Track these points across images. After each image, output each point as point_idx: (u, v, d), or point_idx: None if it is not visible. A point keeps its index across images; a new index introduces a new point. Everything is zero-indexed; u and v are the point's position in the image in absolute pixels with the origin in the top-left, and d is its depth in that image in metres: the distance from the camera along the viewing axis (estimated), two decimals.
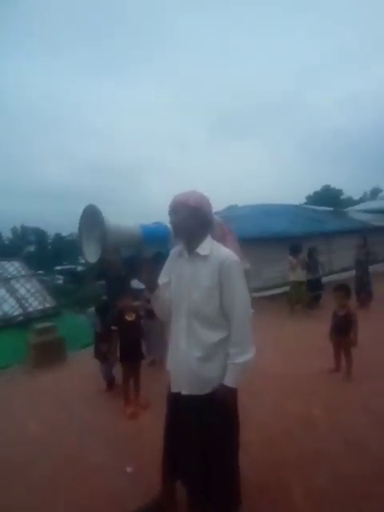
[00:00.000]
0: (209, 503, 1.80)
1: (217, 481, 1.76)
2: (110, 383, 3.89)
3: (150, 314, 4.10)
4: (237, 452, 1.82)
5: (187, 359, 1.71)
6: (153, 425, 2.77)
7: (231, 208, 15.07)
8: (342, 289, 3.86)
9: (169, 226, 1.70)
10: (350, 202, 36.03)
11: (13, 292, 7.30)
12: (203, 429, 1.73)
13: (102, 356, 3.83)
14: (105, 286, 4.84)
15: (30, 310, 6.96)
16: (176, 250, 1.83)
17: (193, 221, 1.66)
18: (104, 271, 4.51)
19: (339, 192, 44.33)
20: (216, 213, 1.88)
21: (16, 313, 6.79)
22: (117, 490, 2.28)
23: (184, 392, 1.74)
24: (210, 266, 1.66)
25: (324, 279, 9.47)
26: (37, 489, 2.37)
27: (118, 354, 3.44)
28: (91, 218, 1.42)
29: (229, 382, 1.66)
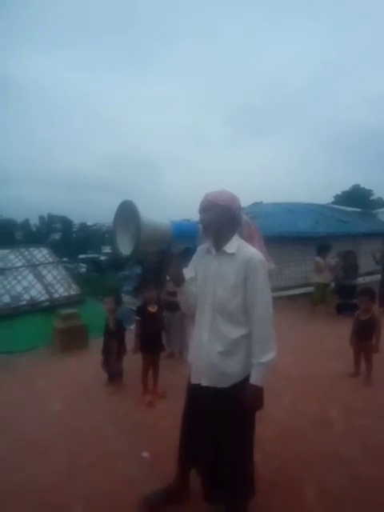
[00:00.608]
0: (222, 492, 1.86)
1: (230, 471, 1.81)
2: (119, 375, 3.86)
3: (172, 307, 4.19)
4: (252, 445, 1.86)
5: (209, 352, 1.76)
6: (169, 414, 2.86)
7: (256, 205, 14.93)
8: (366, 293, 3.79)
9: (198, 223, 1.74)
10: (380, 203, 34.83)
11: (40, 278, 7.59)
12: (220, 420, 1.78)
13: (110, 353, 3.79)
14: (140, 275, 5.01)
15: (56, 296, 7.22)
16: (203, 246, 1.87)
17: (222, 219, 1.70)
18: (141, 261, 4.66)
19: (369, 192, 42.81)
20: (242, 209, 1.91)
21: (42, 298, 7.06)
22: (132, 474, 2.36)
23: (203, 383, 1.80)
24: (236, 264, 1.69)
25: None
26: (57, 468, 2.49)
27: (139, 344, 3.54)
28: (127, 213, 1.49)
29: (256, 381, 1.69)
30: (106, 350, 3.86)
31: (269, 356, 1.68)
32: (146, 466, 2.44)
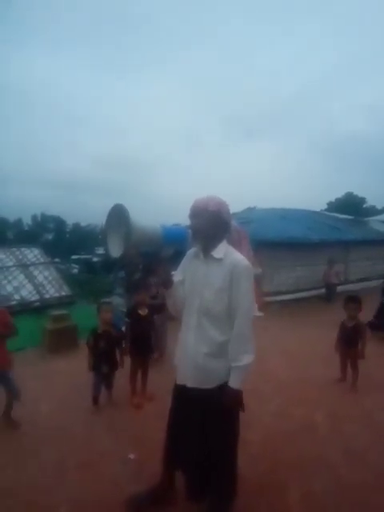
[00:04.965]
0: (206, 493, 1.88)
1: (215, 472, 1.84)
2: (96, 398, 3.40)
3: (156, 309, 4.20)
4: (236, 446, 1.90)
5: (194, 354, 1.80)
6: (156, 416, 2.87)
7: (249, 210, 15.05)
8: (353, 300, 3.82)
9: (187, 228, 1.78)
10: (373, 211, 35.25)
11: (31, 278, 7.56)
12: (205, 421, 1.81)
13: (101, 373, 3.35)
14: (124, 279, 5.01)
15: (47, 296, 7.21)
16: (192, 251, 1.91)
17: (211, 225, 1.75)
18: (124, 265, 4.65)
19: (362, 200, 43.31)
20: (234, 214, 1.95)
21: (33, 298, 7.04)
22: (119, 476, 2.38)
23: (189, 385, 1.83)
24: (223, 269, 1.74)
25: (339, 288, 9.35)
26: (45, 468, 2.50)
27: (128, 347, 3.54)
28: (118, 216, 1.53)
29: (234, 384, 1.74)
30: (98, 367, 3.38)
31: (246, 360, 1.73)
32: (132, 467, 2.46)
